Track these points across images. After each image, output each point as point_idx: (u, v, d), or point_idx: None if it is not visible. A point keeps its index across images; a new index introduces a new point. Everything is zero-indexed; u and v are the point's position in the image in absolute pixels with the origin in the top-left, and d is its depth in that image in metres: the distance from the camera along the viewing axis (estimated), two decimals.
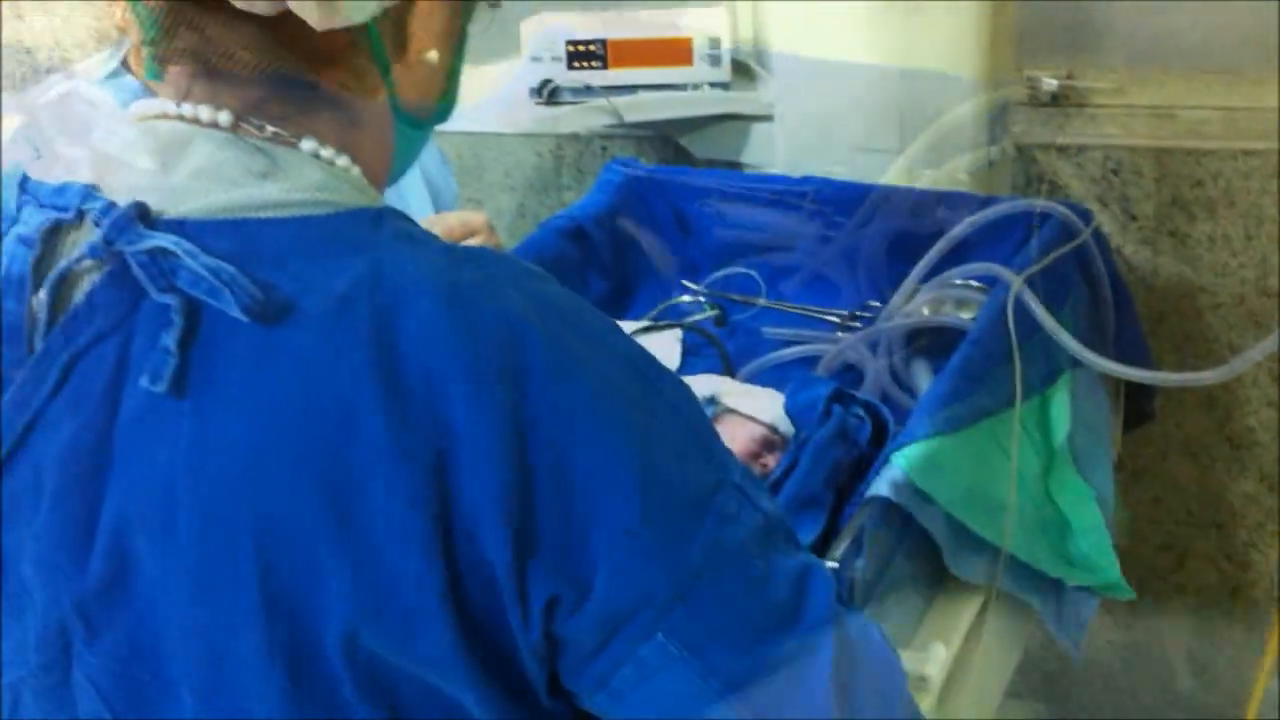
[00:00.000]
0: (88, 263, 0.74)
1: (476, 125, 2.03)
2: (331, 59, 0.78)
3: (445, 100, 0.88)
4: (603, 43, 1.84)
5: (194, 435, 0.71)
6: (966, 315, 1.50)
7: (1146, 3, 1.98)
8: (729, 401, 1.27)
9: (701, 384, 1.31)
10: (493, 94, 1.86)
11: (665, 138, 2.05)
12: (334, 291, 0.71)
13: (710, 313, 1.64)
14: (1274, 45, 1.95)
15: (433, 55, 0.82)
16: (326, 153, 0.78)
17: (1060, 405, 1.39)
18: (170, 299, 0.71)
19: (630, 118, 1.83)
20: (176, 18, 0.76)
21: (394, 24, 0.80)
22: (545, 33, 1.84)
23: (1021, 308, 1.35)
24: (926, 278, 1.53)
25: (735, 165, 1.95)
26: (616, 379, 0.73)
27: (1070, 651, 1.36)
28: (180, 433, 0.71)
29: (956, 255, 1.53)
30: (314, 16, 0.74)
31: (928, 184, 1.68)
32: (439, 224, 1.44)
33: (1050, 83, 2.03)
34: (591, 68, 1.85)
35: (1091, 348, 1.53)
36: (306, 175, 0.76)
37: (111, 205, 0.73)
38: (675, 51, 1.84)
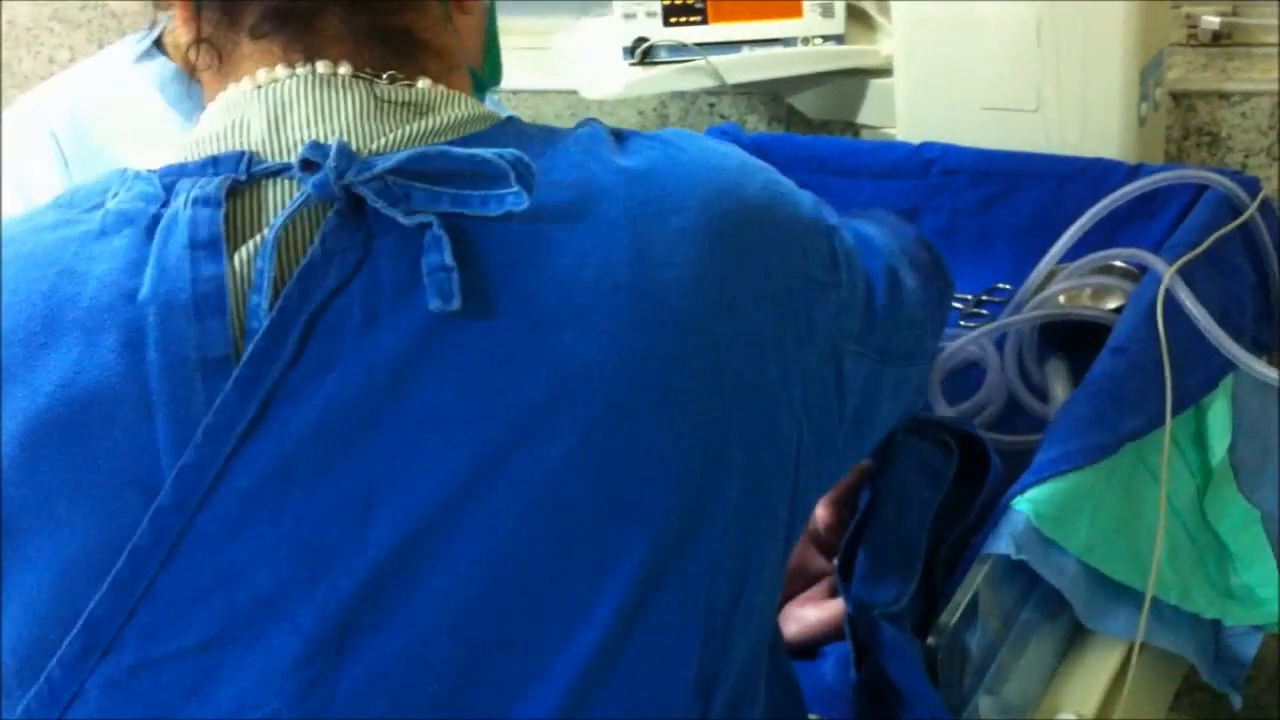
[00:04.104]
0: (307, 210, 0.68)
1: (569, 84, 1.87)
2: (408, 3, 0.76)
3: (490, 62, 0.85)
4: None
5: (497, 348, 0.66)
6: (1111, 305, 1.31)
7: None
8: None
9: None
10: (582, 55, 1.70)
11: (776, 95, 1.87)
12: (565, 182, 0.70)
13: None
14: None
15: None
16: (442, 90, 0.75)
17: (1220, 414, 1.19)
18: (428, 218, 0.66)
19: (733, 79, 1.65)
20: None
21: None
22: None
23: (1174, 305, 1.16)
24: (1064, 260, 1.34)
25: (851, 126, 1.77)
26: None
27: (1230, 695, 1.19)
28: (476, 349, 0.66)
29: (1103, 232, 1.34)
30: None
31: None
32: None
33: (1211, 20, 1.81)
34: (690, 23, 1.67)
35: (1259, 344, 1.33)
36: (451, 102, 0.74)
37: (317, 145, 0.67)
38: (782, 2, 1.65)
